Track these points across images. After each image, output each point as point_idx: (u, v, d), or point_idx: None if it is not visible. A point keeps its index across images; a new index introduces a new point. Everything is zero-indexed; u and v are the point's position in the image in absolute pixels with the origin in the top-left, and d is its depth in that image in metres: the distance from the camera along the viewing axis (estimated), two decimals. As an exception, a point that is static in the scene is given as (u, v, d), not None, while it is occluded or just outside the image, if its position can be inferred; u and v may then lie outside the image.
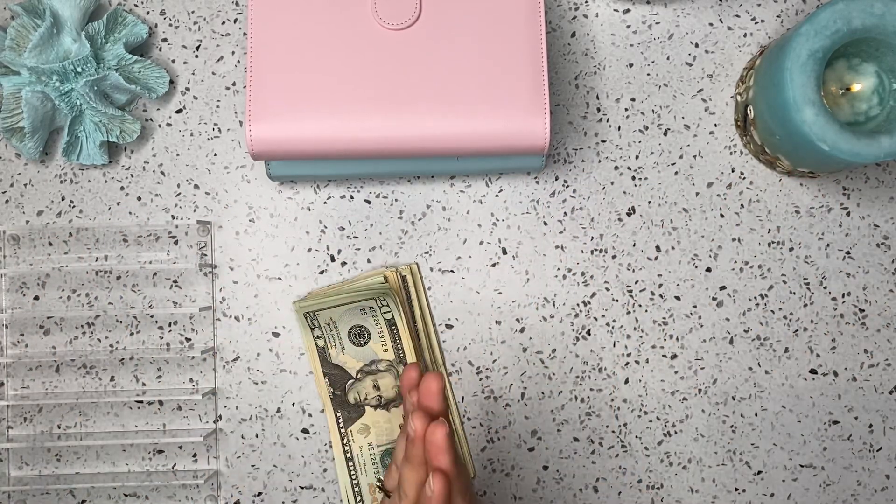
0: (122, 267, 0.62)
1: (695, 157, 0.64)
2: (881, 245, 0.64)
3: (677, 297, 0.64)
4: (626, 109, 0.64)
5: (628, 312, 0.64)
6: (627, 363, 0.64)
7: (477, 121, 0.56)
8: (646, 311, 0.64)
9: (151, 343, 0.64)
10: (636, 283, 0.64)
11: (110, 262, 0.64)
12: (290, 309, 0.63)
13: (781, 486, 0.64)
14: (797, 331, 0.64)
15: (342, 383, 0.62)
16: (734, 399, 0.64)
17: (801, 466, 0.64)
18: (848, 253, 0.64)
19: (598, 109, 0.64)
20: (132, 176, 0.64)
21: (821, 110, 0.54)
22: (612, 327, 0.64)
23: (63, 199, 0.64)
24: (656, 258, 0.64)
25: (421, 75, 0.56)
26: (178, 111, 0.64)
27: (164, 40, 0.64)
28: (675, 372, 0.64)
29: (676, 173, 0.64)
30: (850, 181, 0.64)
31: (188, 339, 0.64)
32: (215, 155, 0.64)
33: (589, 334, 0.64)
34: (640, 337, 0.64)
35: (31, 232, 0.63)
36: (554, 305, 0.64)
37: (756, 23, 0.65)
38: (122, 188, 0.64)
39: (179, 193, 0.64)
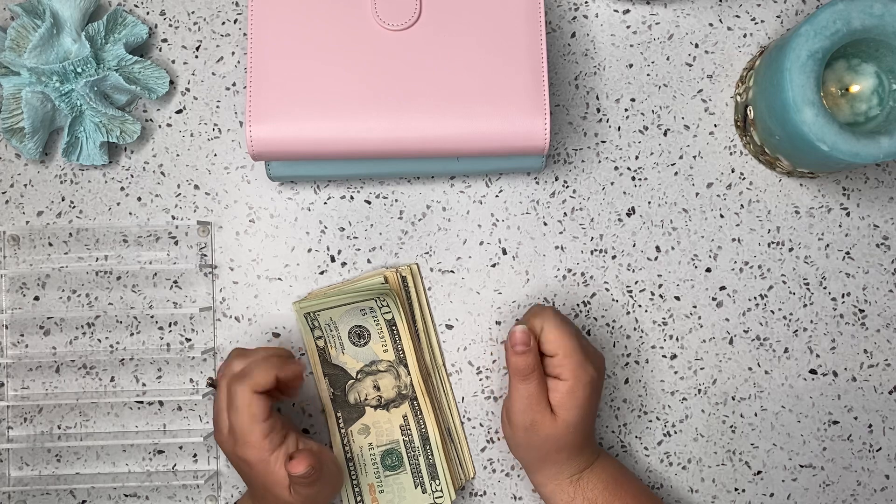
0: (122, 267, 0.62)
1: (695, 157, 0.64)
2: (881, 245, 0.64)
3: (677, 298, 0.64)
4: (626, 110, 0.64)
5: (628, 313, 0.64)
6: (627, 363, 0.64)
7: (477, 121, 0.56)
8: (646, 311, 0.64)
9: (151, 343, 0.64)
10: (636, 283, 0.64)
11: (110, 263, 0.64)
12: (290, 309, 0.63)
13: (781, 486, 0.64)
14: (797, 331, 0.64)
15: (342, 384, 0.62)
16: (734, 399, 0.64)
17: (801, 466, 0.64)
18: (848, 253, 0.64)
19: (598, 110, 0.64)
20: (132, 176, 0.64)
21: (820, 111, 0.54)
22: (612, 328, 0.64)
23: (63, 200, 0.64)
24: (656, 258, 0.64)
25: (421, 76, 0.56)
26: (178, 112, 0.64)
27: (164, 41, 0.64)
28: (675, 372, 0.64)
29: (676, 174, 0.64)
30: (849, 181, 0.64)
31: (188, 340, 0.64)
32: (215, 155, 0.64)
33: (589, 334, 0.64)
34: (640, 337, 0.64)
35: (31, 232, 0.63)
36: (554, 306, 0.64)
37: (756, 23, 0.65)
38: (122, 188, 0.64)
39: (179, 194, 0.64)
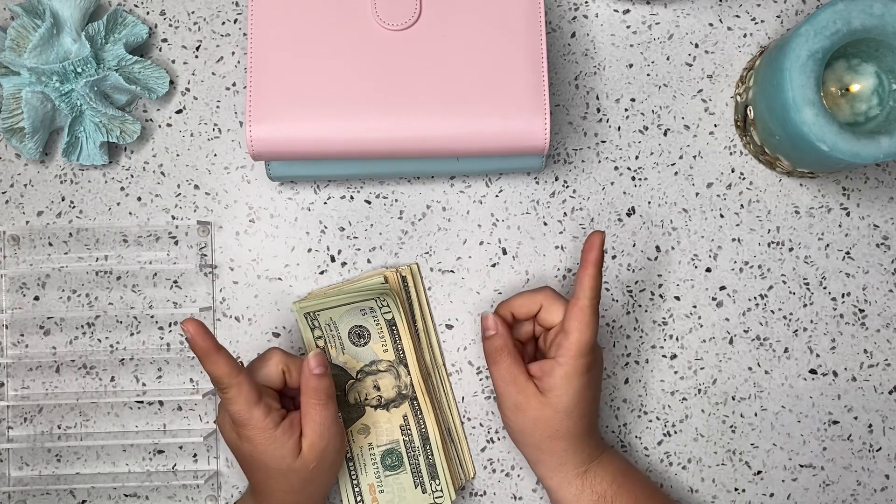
0: (122, 267, 0.62)
1: (695, 157, 0.64)
2: (881, 245, 0.64)
3: (677, 297, 0.64)
4: (626, 110, 0.64)
5: (628, 312, 0.64)
6: (627, 363, 0.64)
7: (477, 121, 0.56)
8: (646, 311, 0.64)
9: (152, 343, 0.64)
10: (636, 283, 0.64)
11: (110, 263, 0.64)
12: (290, 309, 0.63)
13: (781, 486, 0.64)
14: (797, 331, 0.64)
15: (342, 384, 0.62)
16: (734, 399, 0.64)
17: (801, 466, 0.64)
18: (848, 253, 0.64)
19: (598, 110, 0.64)
20: (132, 176, 0.64)
21: (820, 111, 0.54)
22: (612, 327, 0.64)
23: (63, 200, 0.64)
24: (656, 258, 0.64)
25: (421, 76, 0.56)
26: (179, 111, 0.64)
27: (164, 41, 0.64)
28: (675, 372, 0.64)
29: (676, 173, 0.64)
30: (849, 181, 0.64)
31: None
32: (215, 155, 0.64)
33: (589, 334, 0.64)
34: (640, 337, 0.64)
35: (31, 232, 0.63)
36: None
37: (756, 23, 0.65)
38: (122, 188, 0.64)
39: (179, 194, 0.64)
